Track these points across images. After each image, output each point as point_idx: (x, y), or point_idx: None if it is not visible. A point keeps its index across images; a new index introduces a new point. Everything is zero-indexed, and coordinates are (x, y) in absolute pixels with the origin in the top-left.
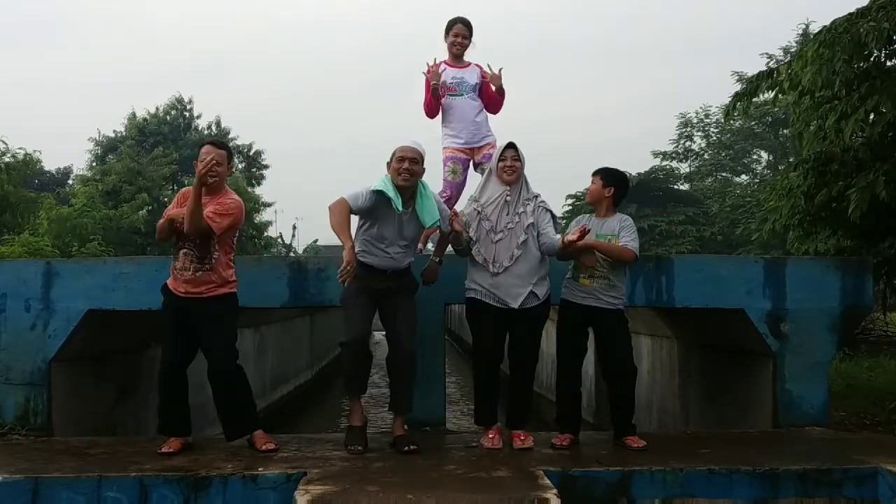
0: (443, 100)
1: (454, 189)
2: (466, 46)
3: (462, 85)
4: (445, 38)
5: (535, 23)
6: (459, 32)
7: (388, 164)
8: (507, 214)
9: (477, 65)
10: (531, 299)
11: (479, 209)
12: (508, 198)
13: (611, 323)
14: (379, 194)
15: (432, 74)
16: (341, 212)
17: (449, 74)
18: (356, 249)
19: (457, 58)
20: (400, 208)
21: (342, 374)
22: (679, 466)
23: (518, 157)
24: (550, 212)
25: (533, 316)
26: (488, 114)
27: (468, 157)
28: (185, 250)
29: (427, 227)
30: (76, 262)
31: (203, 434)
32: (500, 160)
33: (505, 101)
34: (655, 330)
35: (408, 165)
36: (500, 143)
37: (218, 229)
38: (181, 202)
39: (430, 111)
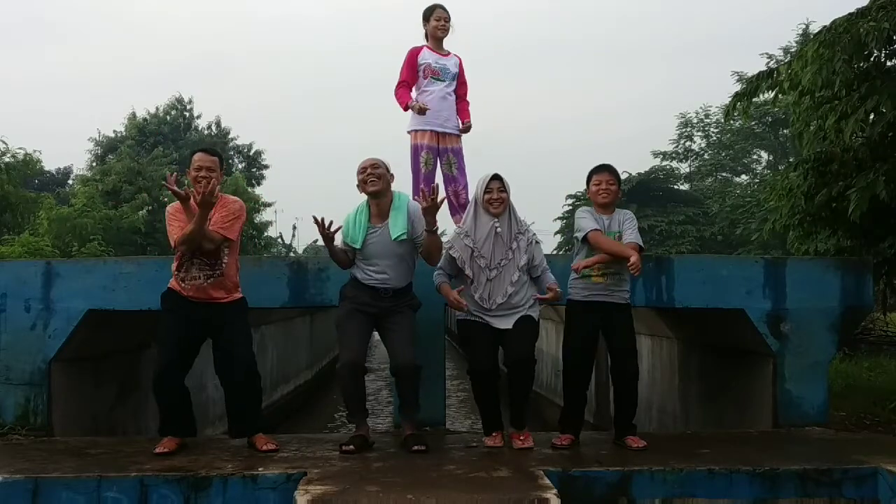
0: (424, 81)
1: (425, 181)
2: (448, 30)
3: (444, 72)
4: (425, 24)
5: (535, 22)
6: (441, 16)
7: (358, 185)
8: (501, 249)
9: (456, 55)
10: (522, 320)
11: (473, 246)
12: (499, 229)
13: (619, 316)
14: (347, 238)
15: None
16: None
17: (433, 58)
18: (352, 273)
19: (438, 42)
20: (359, 245)
21: (342, 400)
22: (679, 466)
23: (504, 189)
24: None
25: (525, 326)
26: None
27: (437, 144)
28: (193, 259)
29: (393, 239)
30: (76, 262)
31: (203, 434)
32: (485, 192)
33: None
34: (655, 330)
35: (370, 171)
36: (484, 171)
37: (234, 236)
38: (179, 218)
39: (403, 97)
